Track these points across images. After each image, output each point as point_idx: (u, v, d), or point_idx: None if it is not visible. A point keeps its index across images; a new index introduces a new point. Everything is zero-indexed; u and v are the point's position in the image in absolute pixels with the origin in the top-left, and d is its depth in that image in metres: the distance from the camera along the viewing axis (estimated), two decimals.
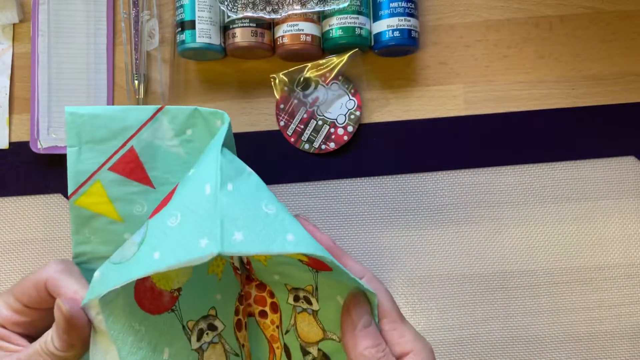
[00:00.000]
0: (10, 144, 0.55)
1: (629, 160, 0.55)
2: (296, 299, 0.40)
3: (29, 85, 0.55)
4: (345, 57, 0.53)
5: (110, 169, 0.38)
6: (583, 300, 0.53)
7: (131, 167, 0.38)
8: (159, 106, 0.39)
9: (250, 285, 0.42)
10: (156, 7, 0.54)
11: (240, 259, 0.42)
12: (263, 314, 0.41)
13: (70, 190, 0.38)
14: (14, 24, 0.56)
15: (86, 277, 0.36)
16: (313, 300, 0.39)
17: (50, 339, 0.34)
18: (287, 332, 0.40)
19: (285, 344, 0.41)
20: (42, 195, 0.55)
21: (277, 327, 0.41)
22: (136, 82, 0.54)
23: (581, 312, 0.53)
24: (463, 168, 0.54)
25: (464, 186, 0.54)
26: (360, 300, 0.36)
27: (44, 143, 0.53)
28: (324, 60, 0.53)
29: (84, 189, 0.38)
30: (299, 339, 0.40)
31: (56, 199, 0.55)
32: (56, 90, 0.54)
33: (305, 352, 0.40)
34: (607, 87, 0.55)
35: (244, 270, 0.42)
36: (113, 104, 0.55)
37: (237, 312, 0.42)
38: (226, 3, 0.51)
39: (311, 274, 0.39)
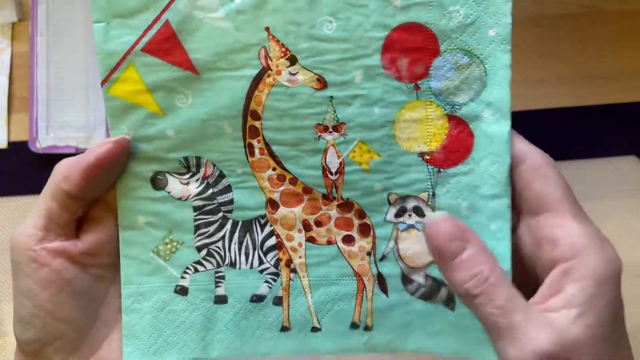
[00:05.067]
0: (9, 143, 0.55)
1: (630, 160, 0.54)
2: (400, 212, 0.34)
3: (27, 84, 0.55)
4: None
5: (143, 49, 0.32)
6: None
7: (167, 47, 0.32)
8: None
9: (330, 206, 0.34)
10: None
11: (325, 171, 0.34)
12: (349, 240, 0.34)
13: (101, 77, 0.32)
14: (12, 23, 0.56)
15: (128, 182, 0.34)
16: (427, 210, 0.34)
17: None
18: (382, 258, 0.34)
19: (379, 274, 0.34)
20: None
21: (368, 254, 0.34)
22: None
23: None
24: None
25: None
26: (445, 222, 0.29)
27: (43, 143, 0.53)
28: None
29: (117, 75, 0.32)
30: (401, 264, 0.34)
31: None
32: (55, 90, 0.54)
33: (407, 281, 0.34)
34: (608, 87, 0.55)
35: (321, 187, 0.34)
36: None
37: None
38: None
39: (430, 177, 0.33)
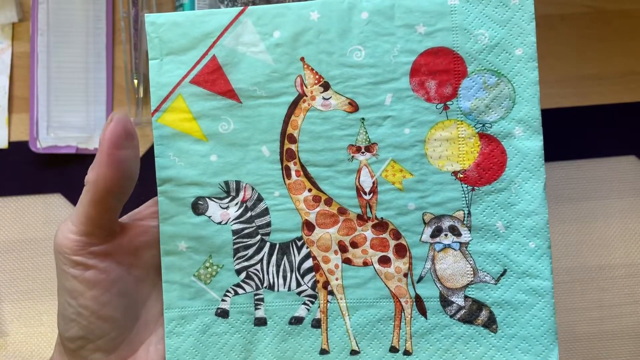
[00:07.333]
0: (10, 143, 0.55)
1: (630, 160, 0.54)
2: (436, 232, 0.34)
3: (28, 84, 0.55)
4: None
5: (192, 81, 0.35)
6: (583, 300, 0.53)
7: (213, 79, 0.35)
8: (242, 7, 0.35)
9: (365, 227, 0.34)
10: (156, 6, 0.54)
11: (359, 191, 0.35)
12: (385, 261, 0.34)
13: (153, 107, 0.35)
14: (13, 23, 0.56)
15: (170, 208, 0.35)
16: (463, 229, 0.34)
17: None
18: (420, 279, 0.34)
19: (417, 296, 0.34)
20: (41, 195, 0.55)
21: (405, 275, 0.34)
22: (135, 81, 0.54)
23: (581, 312, 0.53)
24: None
25: None
26: None
27: (43, 143, 0.53)
28: None
29: (167, 105, 0.35)
30: (439, 285, 0.34)
31: (55, 198, 0.55)
32: (55, 90, 0.54)
33: (446, 303, 0.34)
34: (608, 87, 0.55)
35: (355, 207, 0.35)
36: (112, 103, 0.55)
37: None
38: (225, 2, 0.51)
39: (464, 195, 0.34)
